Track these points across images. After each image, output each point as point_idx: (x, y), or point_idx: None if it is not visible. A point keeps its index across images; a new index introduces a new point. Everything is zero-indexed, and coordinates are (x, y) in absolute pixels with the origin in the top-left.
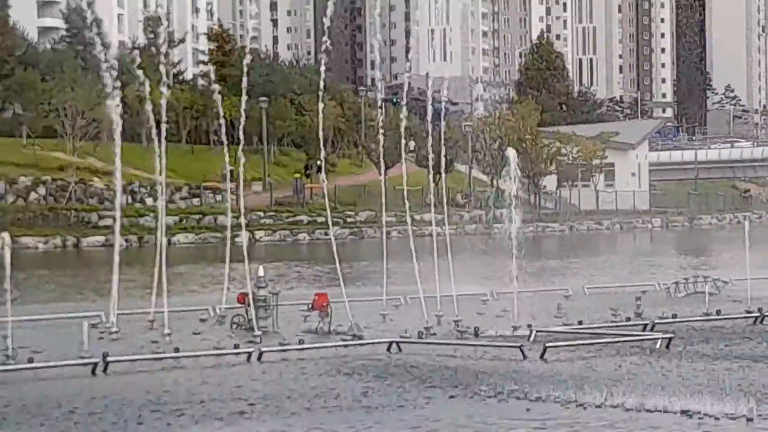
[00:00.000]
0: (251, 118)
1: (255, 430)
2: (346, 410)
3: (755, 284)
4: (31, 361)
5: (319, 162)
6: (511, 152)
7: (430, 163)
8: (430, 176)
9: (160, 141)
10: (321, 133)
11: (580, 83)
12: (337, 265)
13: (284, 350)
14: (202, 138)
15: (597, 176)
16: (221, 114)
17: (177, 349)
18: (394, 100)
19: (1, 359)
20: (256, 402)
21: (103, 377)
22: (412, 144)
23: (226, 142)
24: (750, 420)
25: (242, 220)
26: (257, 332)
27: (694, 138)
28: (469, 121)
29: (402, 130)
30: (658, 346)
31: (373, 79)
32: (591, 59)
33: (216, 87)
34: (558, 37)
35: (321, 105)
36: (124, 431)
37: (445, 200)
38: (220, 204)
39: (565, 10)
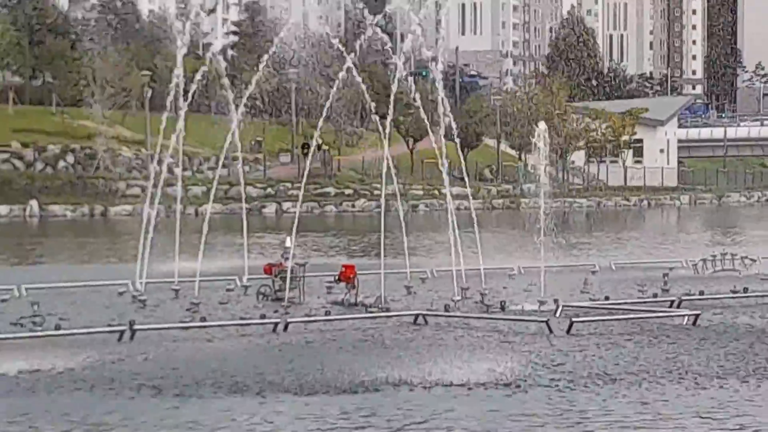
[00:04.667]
0: (280, 90)
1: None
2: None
3: None
4: (58, 327)
5: (317, 143)
6: (541, 126)
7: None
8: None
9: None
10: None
11: (610, 59)
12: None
13: (310, 321)
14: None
15: (625, 152)
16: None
17: (204, 319)
18: (423, 73)
19: (29, 326)
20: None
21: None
22: (447, 120)
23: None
24: None
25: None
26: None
27: (723, 115)
28: (498, 95)
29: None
30: (684, 322)
31: (403, 53)
32: (621, 35)
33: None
34: (589, 12)
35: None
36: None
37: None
38: (248, 175)
39: None
